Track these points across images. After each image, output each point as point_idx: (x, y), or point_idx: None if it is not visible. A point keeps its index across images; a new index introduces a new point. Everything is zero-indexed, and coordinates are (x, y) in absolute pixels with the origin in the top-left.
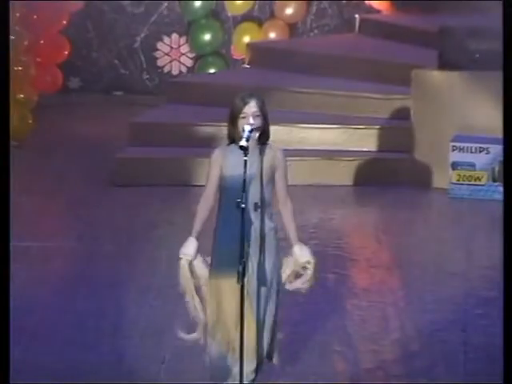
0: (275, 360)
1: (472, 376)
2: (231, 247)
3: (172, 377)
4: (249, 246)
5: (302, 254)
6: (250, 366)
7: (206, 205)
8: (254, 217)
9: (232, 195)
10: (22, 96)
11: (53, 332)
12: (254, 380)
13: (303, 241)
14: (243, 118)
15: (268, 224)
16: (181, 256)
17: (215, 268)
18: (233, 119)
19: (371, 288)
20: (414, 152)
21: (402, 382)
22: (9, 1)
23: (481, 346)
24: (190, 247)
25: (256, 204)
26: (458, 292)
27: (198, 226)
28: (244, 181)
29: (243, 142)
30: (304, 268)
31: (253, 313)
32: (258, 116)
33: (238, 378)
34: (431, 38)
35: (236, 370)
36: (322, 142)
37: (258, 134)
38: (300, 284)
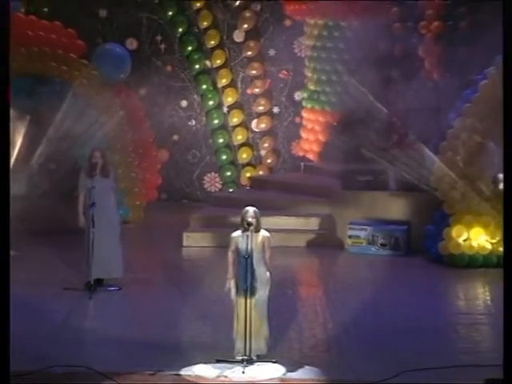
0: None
1: (366, 342)
2: (242, 281)
3: (212, 333)
4: (253, 279)
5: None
6: (261, 344)
7: (230, 257)
8: (256, 267)
9: (241, 255)
10: (138, 203)
11: (151, 318)
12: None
13: (276, 272)
14: (245, 220)
15: (262, 269)
16: (228, 280)
17: (237, 291)
18: (241, 220)
19: (309, 297)
20: (332, 230)
21: (325, 345)
22: (9, 2)
23: (371, 324)
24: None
25: (249, 256)
26: (351, 298)
27: (230, 267)
28: (246, 245)
29: (246, 226)
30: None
31: (259, 314)
32: (253, 218)
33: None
34: (338, 174)
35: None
36: (286, 224)
37: (253, 227)
38: None
